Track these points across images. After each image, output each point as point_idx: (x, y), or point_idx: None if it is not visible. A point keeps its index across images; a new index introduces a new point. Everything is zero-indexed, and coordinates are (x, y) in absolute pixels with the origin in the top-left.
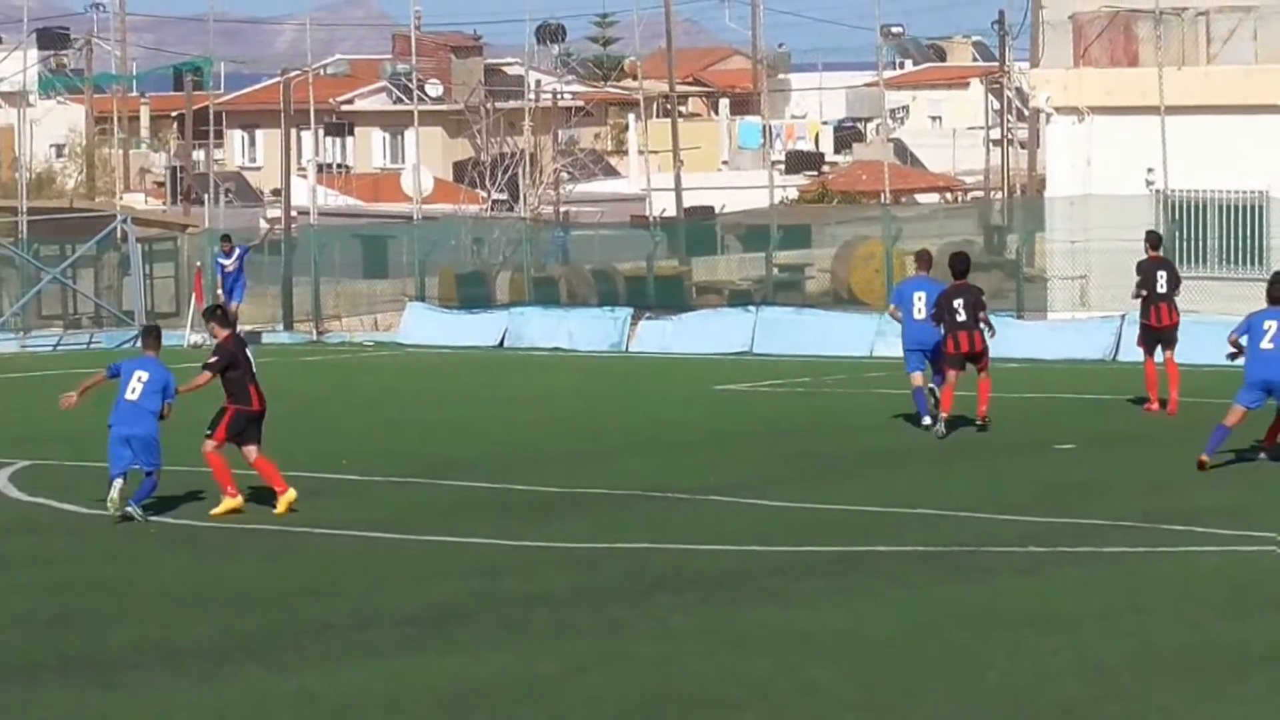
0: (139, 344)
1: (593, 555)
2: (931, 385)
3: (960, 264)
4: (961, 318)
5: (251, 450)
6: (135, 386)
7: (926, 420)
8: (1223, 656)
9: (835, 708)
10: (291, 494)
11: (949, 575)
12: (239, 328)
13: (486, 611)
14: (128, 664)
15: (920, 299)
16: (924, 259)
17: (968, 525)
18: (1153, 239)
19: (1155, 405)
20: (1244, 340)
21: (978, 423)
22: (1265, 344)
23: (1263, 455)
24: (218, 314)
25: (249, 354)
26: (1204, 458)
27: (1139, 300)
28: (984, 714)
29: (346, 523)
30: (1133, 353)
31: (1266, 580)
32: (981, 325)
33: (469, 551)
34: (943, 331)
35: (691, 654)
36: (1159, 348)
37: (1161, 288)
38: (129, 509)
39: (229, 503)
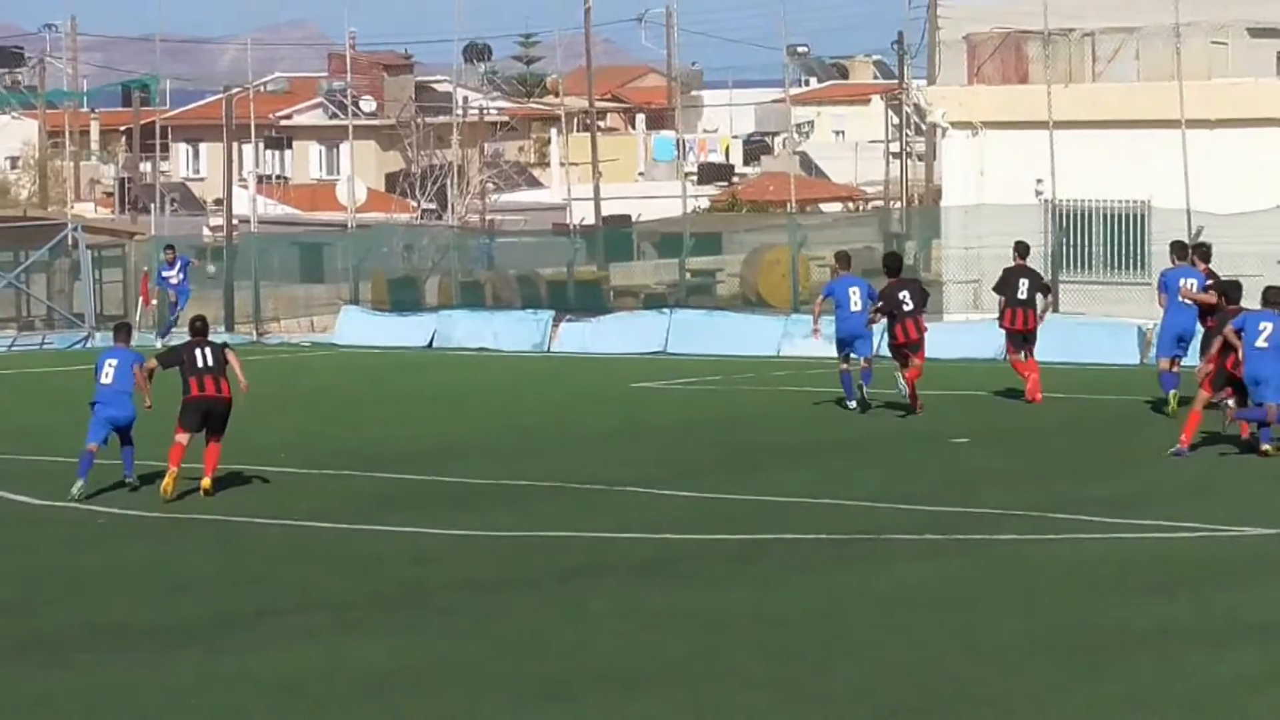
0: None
1: (518, 543)
2: (861, 382)
3: (895, 262)
4: (909, 307)
5: (209, 443)
6: (108, 372)
7: (852, 404)
8: (1107, 637)
9: (747, 686)
10: (173, 474)
11: (853, 561)
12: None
13: (417, 596)
14: (79, 646)
15: (855, 293)
16: (844, 259)
17: (870, 514)
18: (1020, 248)
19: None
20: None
21: (909, 405)
22: (1260, 343)
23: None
24: (196, 325)
25: (201, 353)
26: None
27: (1001, 304)
28: (886, 691)
29: (285, 513)
30: None
31: (1148, 565)
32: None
33: (401, 540)
34: (888, 322)
35: (610, 636)
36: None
37: (1022, 294)
38: (125, 477)
39: (169, 475)
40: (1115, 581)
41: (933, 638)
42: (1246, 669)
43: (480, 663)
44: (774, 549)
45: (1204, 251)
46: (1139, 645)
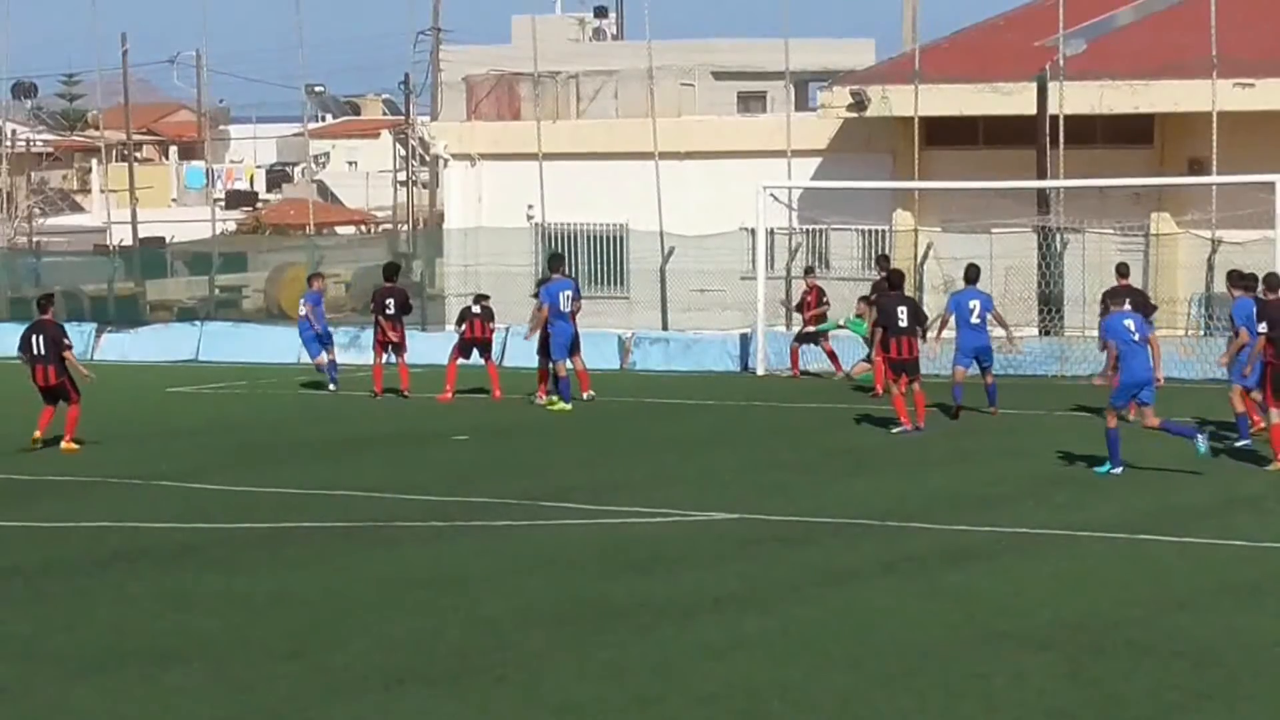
0: None
1: (60, 532)
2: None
3: (391, 284)
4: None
5: None
6: None
7: (332, 387)
8: (590, 609)
9: (268, 658)
10: None
11: (364, 545)
12: None
13: None
14: None
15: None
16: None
17: (379, 504)
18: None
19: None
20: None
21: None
22: (974, 319)
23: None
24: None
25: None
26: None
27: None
28: (395, 661)
29: None
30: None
31: (626, 546)
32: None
33: None
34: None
35: (146, 615)
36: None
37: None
38: None
39: None
40: (597, 561)
41: (435, 613)
42: (710, 637)
43: (28, 640)
44: (295, 536)
45: (557, 263)
46: (618, 617)
